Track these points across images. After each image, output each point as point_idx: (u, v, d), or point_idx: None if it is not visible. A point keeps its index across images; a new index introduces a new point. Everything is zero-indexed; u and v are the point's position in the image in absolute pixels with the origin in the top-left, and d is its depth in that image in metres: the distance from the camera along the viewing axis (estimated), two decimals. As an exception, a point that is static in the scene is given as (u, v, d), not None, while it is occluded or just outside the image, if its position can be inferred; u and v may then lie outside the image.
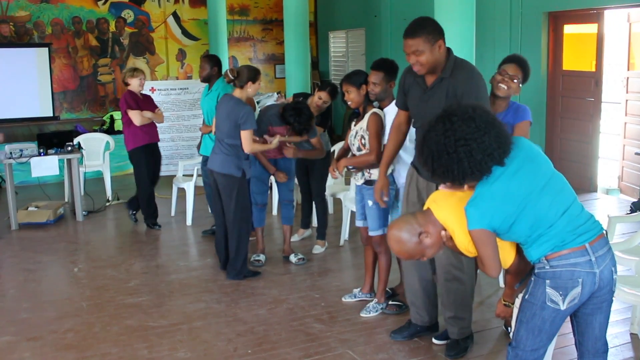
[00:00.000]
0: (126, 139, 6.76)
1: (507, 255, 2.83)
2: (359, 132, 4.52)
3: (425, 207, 2.94)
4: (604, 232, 2.70)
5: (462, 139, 2.55)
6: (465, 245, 2.81)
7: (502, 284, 4.84)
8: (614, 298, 2.76)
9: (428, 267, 4.13)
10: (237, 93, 5.21)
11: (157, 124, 6.91)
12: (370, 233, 4.56)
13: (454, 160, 2.56)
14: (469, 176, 2.60)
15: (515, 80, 4.05)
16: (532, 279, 2.71)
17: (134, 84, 6.64)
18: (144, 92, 6.90)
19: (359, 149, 4.53)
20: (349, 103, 4.67)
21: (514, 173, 2.63)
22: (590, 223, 2.67)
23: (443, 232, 2.82)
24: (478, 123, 2.57)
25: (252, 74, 5.22)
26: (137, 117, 6.59)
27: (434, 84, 3.66)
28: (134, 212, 7.19)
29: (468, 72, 3.63)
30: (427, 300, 4.19)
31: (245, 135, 5.10)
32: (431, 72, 3.64)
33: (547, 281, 2.64)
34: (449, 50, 3.67)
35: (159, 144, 7.07)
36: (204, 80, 6.34)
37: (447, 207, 2.81)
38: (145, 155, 6.75)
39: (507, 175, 2.63)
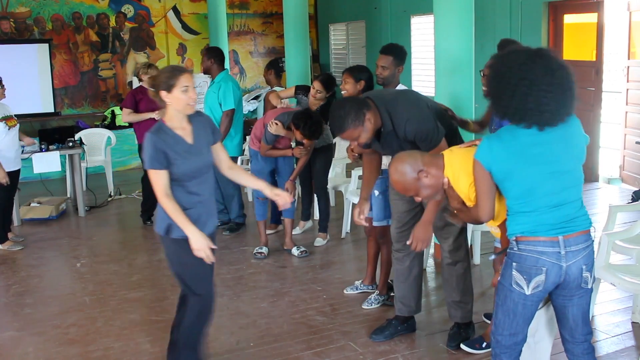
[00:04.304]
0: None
1: (503, 210, 2.84)
2: None
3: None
4: (591, 228, 2.70)
5: (527, 80, 2.53)
6: (466, 192, 2.85)
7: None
8: (615, 287, 2.76)
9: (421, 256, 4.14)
10: None
11: None
12: (375, 223, 4.54)
13: (508, 93, 2.56)
14: (510, 115, 2.61)
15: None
16: (505, 259, 2.76)
17: (145, 80, 6.66)
18: None
19: None
20: (342, 93, 4.70)
21: (538, 141, 2.62)
22: (576, 218, 2.66)
23: (445, 180, 2.88)
24: (552, 80, 2.53)
25: None
26: (124, 116, 6.76)
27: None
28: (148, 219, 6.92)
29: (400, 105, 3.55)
30: (414, 288, 4.18)
31: None
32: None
33: (514, 264, 2.68)
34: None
35: None
36: (204, 72, 6.47)
37: (461, 155, 2.89)
38: None
39: (532, 137, 2.62)
